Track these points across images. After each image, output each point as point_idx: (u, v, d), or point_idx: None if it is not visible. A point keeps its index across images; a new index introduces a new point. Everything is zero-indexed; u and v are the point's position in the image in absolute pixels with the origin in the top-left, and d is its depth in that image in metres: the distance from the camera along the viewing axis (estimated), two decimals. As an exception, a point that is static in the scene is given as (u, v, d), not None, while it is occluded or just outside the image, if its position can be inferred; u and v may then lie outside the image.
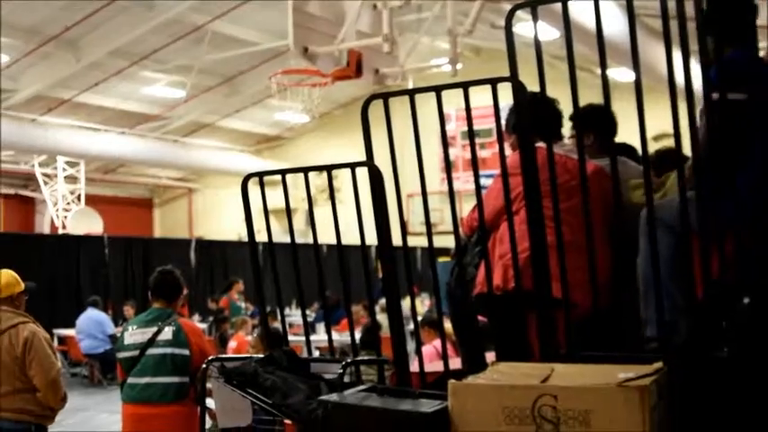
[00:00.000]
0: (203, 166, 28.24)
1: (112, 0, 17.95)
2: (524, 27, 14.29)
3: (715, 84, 3.32)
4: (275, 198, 4.49)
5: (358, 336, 5.21)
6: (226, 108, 25.97)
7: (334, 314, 13.52)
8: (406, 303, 7.02)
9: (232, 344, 12.28)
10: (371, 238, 4.16)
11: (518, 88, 3.64)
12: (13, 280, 5.82)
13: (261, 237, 4.65)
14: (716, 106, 3.34)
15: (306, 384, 3.73)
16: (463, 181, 22.89)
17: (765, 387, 3.19)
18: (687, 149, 3.49)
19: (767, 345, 3.26)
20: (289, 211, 4.47)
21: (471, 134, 3.91)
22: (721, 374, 3.25)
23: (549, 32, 14.42)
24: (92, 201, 26.93)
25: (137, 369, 6.04)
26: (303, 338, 4.75)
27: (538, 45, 3.62)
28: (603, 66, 3.54)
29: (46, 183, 26.24)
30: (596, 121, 4.39)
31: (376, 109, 4.05)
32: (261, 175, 4.41)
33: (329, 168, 4.26)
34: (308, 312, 4.79)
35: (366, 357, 4.87)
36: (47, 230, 26.15)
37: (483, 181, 3.97)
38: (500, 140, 3.82)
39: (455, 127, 23.65)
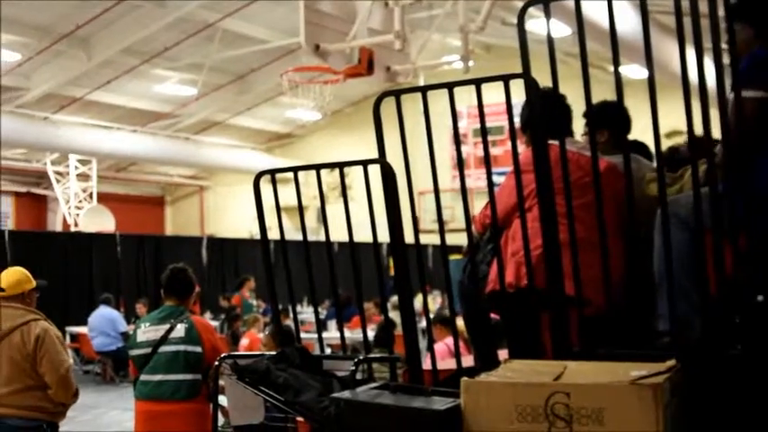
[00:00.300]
0: (215, 164, 28.28)
1: (124, -2, 18.02)
2: (536, 24, 14.24)
3: (741, 79, 3.31)
4: (286, 196, 4.49)
5: (369, 333, 5.20)
6: (237, 106, 25.99)
7: (345, 312, 13.53)
8: (417, 301, 7.02)
9: (244, 341, 12.30)
10: (383, 236, 4.16)
11: (531, 85, 3.64)
12: (24, 277, 5.83)
13: (272, 234, 4.65)
14: (738, 102, 3.32)
15: (318, 382, 3.73)
16: (474, 178, 22.86)
17: (779, 385, 3.18)
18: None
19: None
20: (301, 208, 4.47)
21: (484, 131, 3.90)
22: (735, 372, 3.24)
23: (561, 29, 14.39)
24: (104, 199, 27.01)
25: (149, 366, 6.06)
26: (315, 336, 4.76)
27: (551, 42, 3.61)
28: (616, 63, 3.53)
29: (58, 181, 26.32)
30: (610, 118, 4.38)
31: (387, 106, 4.05)
32: (273, 172, 4.42)
33: (341, 166, 4.26)
34: (319, 310, 4.79)
35: (378, 355, 4.87)
36: (59, 228, 26.23)
37: (495, 179, 3.96)
38: (512, 137, 3.82)
39: (466, 124, 23.65)
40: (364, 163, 4.11)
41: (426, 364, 4.28)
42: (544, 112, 3.81)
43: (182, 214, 32.55)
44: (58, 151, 24.93)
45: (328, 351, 8.61)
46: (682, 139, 4.41)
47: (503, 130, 20.83)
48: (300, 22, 10.95)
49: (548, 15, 3.66)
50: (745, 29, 3.64)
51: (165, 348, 6.04)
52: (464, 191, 4.00)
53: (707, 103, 3.24)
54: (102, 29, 19.36)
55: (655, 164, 4.07)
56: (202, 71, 21.64)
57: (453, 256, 4.76)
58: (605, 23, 3.52)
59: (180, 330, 6.06)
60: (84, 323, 16.37)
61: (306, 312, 16.44)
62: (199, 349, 6.03)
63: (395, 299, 9.34)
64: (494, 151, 20.62)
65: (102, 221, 25.13)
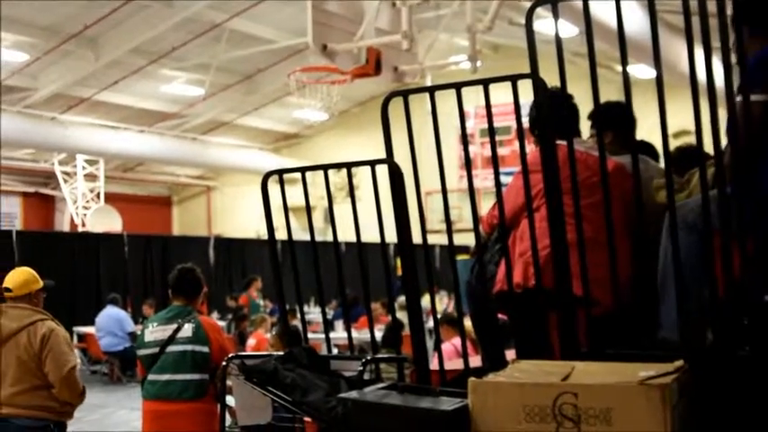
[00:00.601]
0: (222, 164, 28.32)
1: (131, -2, 18.05)
2: (543, 24, 14.26)
3: (747, 81, 3.30)
4: (293, 196, 4.49)
5: (377, 334, 5.21)
6: (244, 106, 26.02)
7: (352, 312, 13.54)
8: (424, 301, 7.02)
9: (251, 341, 12.31)
10: (390, 236, 4.16)
11: (539, 85, 3.63)
12: (31, 277, 5.84)
13: (279, 234, 4.66)
14: (745, 104, 3.31)
15: (326, 382, 3.73)
16: (481, 179, 22.88)
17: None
18: (708, 147, 3.47)
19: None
20: (309, 208, 4.48)
21: (492, 131, 3.89)
22: (743, 373, 3.23)
23: (568, 29, 14.37)
24: (111, 199, 27.06)
25: (157, 366, 6.07)
26: (322, 336, 4.76)
27: (559, 42, 3.60)
28: (624, 63, 3.53)
29: (66, 181, 26.39)
30: (614, 119, 4.37)
31: (394, 107, 4.05)
32: (281, 172, 4.42)
33: (349, 166, 4.26)
34: (326, 310, 4.80)
35: (386, 355, 4.87)
36: (66, 228, 26.29)
37: (502, 179, 3.95)
38: (520, 137, 3.81)
39: (474, 124, 23.65)
40: (372, 163, 4.11)
41: (433, 365, 4.28)
42: (552, 112, 3.81)
43: (189, 214, 32.60)
44: (65, 151, 24.99)
45: (335, 351, 8.61)
46: (689, 140, 4.41)
47: (510, 130, 20.85)
48: (308, 22, 10.96)
49: (556, 15, 3.66)
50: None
51: (172, 348, 6.04)
52: (472, 191, 3.99)
53: (715, 104, 3.23)
54: (109, 29, 19.40)
55: (662, 163, 4.07)
56: (210, 71, 21.67)
57: (460, 257, 4.76)
58: (612, 23, 3.51)
59: (187, 330, 6.07)
60: (92, 323, 16.40)
61: (313, 312, 16.45)
62: (206, 349, 6.03)
63: (402, 299, 9.36)
64: (501, 151, 20.55)
65: (109, 221, 25.18)
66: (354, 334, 5.83)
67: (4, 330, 5.59)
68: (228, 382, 4.52)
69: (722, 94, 3.25)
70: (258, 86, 24.37)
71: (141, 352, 6.23)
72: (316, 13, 11.03)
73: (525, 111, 3.93)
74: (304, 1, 11.28)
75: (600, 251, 3.61)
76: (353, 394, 3.29)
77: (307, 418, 3.95)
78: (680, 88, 8.54)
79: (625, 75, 3.55)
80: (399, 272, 4.38)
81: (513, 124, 3.76)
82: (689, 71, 3.32)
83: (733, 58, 3.27)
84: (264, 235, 4.43)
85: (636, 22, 10.70)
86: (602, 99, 3.80)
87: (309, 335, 5.06)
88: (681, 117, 4.56)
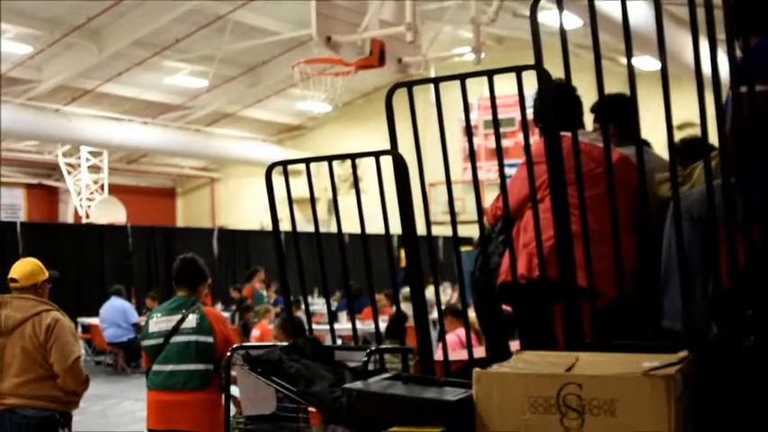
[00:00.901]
0: (225, 156, 28.33)
1: (135, -10, 18.05)
2: (547, 16, 14.23)
3: (743, 72, 3.30)
4: (297, 187, 4.50)
5: (381, 325, 5.22)
6: (248, 98, 26.01)
7: (356, 303, 13.54)
8: (428, 292, 7.03)
9: (255, 332, 12.33)
10: (393, 228, 4.16)
11: (543, 77, 3.63)
12: (37, 268, 5.86)
13: (282, 226, 4.66)
14: (744, 95, 3.31)
15: (330, 372, 3.73)
16: (485, 170, 22.85)
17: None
18: (713, 139, 3.47)
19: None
20: (313, 200, 4.48)
21: (496, 123, 3.89)
22: (747, 364, 3.23)
23: (572, 21, 14.36)
24: (115, 190, 27.07)
25: (161, 357, 6.08)
26: (326, 327, 4.77)
27: (563, 34, 3.60)
28: (629, 55, 3.52)
29: (69, 172, 26.39)
30: (616, 111, 4.37)
31: (397, 98, 4.05)
32: (285, 163, 4.42)
33: (353, 157, 4.26)
34: (330, 301, 4.82)
35: (390, 346, 4.88)
36: (70, 220, 26.33)
37: (506, 170, 3.96)
38: (524, 129, 3.81)
39: (477, 116, 23.62)
40: (376, 154, 4.12)
41: (438, 356, 4.29)
42: (556, 104, 3.81)
43: (193, 206, 32.61)
44: (69, 143, 25.00)
45: (339, 343, 8.60)
46: (694, 131, 4.40)
47: (513, 121, 20.84)
48: (312, 13, 10.96)
49: (560, 7, 3.65)
50: None
51: (176, 339, 6.06)
52: (476, 182, 4.00)
53: (720, 95, 3.23)
54: (113, 21, 19.40)
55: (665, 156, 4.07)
56: (213, 63, 21.67)
57: (464, 248, 4.76)
58: (616, 15, 3.52)
59: (191, 321, 6.08)
60: (96, 314, 16.43)
61: (317, 304, 16.47)
62: (210, 339, 6.05)
63: (405, 290, 9.36)
64: (504, 143, 20.50)
65: (113, 213, 25.20)
66: (358, 325, 5.84)
67: (10, 321, 5.61)
68: (233, 373, 4.53)
69: (726, 86, 3.26)
70: (262, 78, 24.36)
71: (146, 342, 6.24)
72: (320, 5, 11.03)
73: (528, 103, 3.93)
74: (307, -8, 11.28)
75: (603, 242, 3.61)
76: (358, 384, 3.30)
77: (311, 408, 3.95)
78: (683, 80, 8.54)
79: (630, 67, 3.55)
80: (403, 263, 4.38)
81: (517, 116, 3.79)
82: (693, 63, 3.32)
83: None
84: (268, 226, 4.44)
85: (639, 14, 10.67)
86: (606, 91, 3.80)
87: (313, 326, 5.07)
88: (684, 109, 4.55)
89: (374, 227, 4.41)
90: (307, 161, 4.40)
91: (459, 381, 3.16)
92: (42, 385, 5.59)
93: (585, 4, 3.57)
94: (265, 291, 18.15)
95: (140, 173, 30.58)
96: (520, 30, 20.06)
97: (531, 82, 3.63)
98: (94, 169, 26.62)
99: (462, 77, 3.88)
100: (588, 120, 4.54)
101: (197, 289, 6.35)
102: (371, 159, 4.17)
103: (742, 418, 3.21)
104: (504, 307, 4.39)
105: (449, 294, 18.45)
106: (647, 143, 4.72)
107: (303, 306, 4.99)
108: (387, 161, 4.05)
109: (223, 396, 4.87)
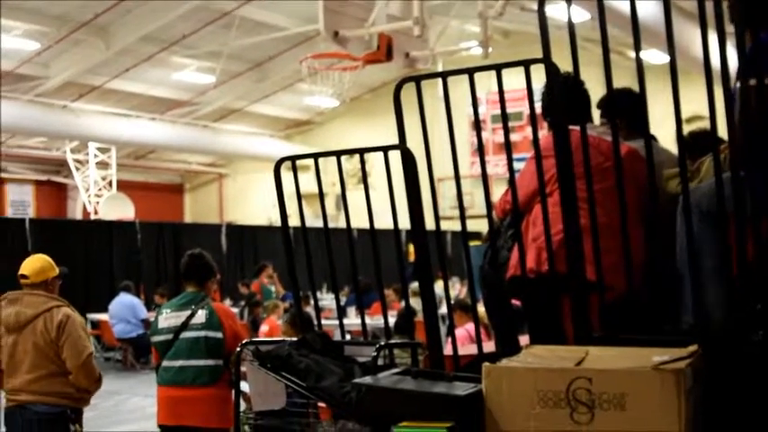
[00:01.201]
0: (233, 152, 28.33)
1: (142, -14, 18.06)
2: (555, 9, 14.18)
3: (747, 67, 3.29)
4: (305, 183, 4.50)
5: (390, 320, 5.22)
6: (255, 93, 26.00)
7: (364, 298, 13.55)
8: (437, 287, 7.03)
9: (264, 328, 12.35)
10: (401, 223, 4.16)
11: (552, 70, 3.63)
12: (47, 265, 5.87)
13: (291, 221, 4.66)
14: (748, 90, 3.31)
15: (339, 367, 3.74)
16: (493, 165, 22.77)
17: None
18: (721, 132, 3.46)
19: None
20: (321, 195, 4.48)
21: (504, 117, 3.89)
22: (756, 357, 3.23)
23: (579, 14, 14.33)
24: (123, 186, 27.10)
25: (171, 352, 6.09)
26: (334, 322, 4.77)
27: (571, 27, 3.60)
28: (638, 49, 3.52)
29: (78, 169, 26.43)
30: (624, 106, 4.36)
31: (405, 93, 4.05)
32: (293, 158, 4.42)
33: (362, 152, 4.26)
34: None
35: (400, 341, 4.88)
36: (79, 216, 26.36)
37: (514, 165, 3.95)
38: (533, 123, 3.81)
39: (485, 110, 23.57)
40: (385, 149, 4.12)
41: (447, 350, 4.29)
42: (564, 98, 3.80)
43: (201, 202, 32.65)
44: (77, 139, 25.03)
45: (348, 338, 8.61)
46: (702, 125, 4.39)
47: (521, 115, 20.80)
48: (319, 8, 10.96)
49: (568, 0, 3.65)
50: None
51: (186, 334, 6.07)
52: (485, 177, 4.00)
53: (729, 88, 3.22)
54: (120, 17, 19.41)
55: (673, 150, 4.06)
56: (221, 59, 21.66)
57: (472, 243, 4.75)
58: (624, 8, 3.51)
59: (201, 316, 6.09)
60: (105, 310, 16.47)
61: (325, 299, 16.49)
62: (220, 335, 6.06)
63: (414, 285, 9.36)
64: (512, 137, 20.51)
65: (121, 209, 25.22)
66: (367, 320, 5.85)
67: (21, 317, 5.63)
68: (242, 368, 4.54)
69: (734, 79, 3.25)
70: (269, 74, 24.35)
71: (155, 338, 6.26)
72: (327, 0, 11.02)
73: (536, 96, 3.93)
74: (315, -12, 11.28)
75: (612, 236, 3.61)
76: (368, 379, 3.31)
77: (321, 404, 3.96)
78: (691, 73, 8.52)
79: (638, 61, 3.54)
80: (411, 258, 4.38)
81: (524, 110, 3.80)
82: (701, 56, 3.31)
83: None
84: (276, 222, 4.43)
85: (647, 7, 10.65)
86: (615, 85, 3.79)
87: (322, 321, 5.08)
88: (692, 102, 4.54)
89: (382, 222, 4.41)
90: (315, 156, 4.40)
91: (469, 375, 3.16)
92: (54, 381, 5.61)
93: (592, -2, 3.56)
94: (274, 286, 18.17)
95: (148, 169, 30.61)
96: (526, 23, 20.02)
97: (538, 76, 3.62)
98: (103, 165, 26.66)
99: (471, 71, 3.88)
100: (595, 115, 4.53)
101: (206, 285, 6.36)
102: (379, 154, 4.17)
103: (752, 412, 3.21)
104: (513, 301, 4.39)
105: (457, 289, 18.44)
106: (653, 137, 4.72)
107: (312, 301, 5.00)
108: (394, 156, 4.05)
109: (233, 391, 4.88)
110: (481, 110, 22.60)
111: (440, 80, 4.06)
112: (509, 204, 4.13)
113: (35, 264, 5.84)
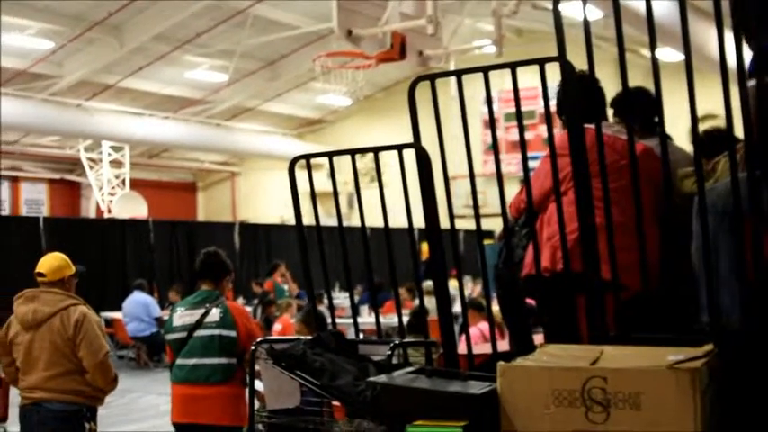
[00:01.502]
0: (246, 150, 28.38)
1: (155, -15, 18.11)
2: (568, 7, 14.16)
3: (751, 72, 3.29)
4: (318, 182, 4.50)
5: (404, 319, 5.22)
6: (268, 92, 26.05)
7: (378, 297, 13.54)
8: (450, 286, 7.02)
9: (277, 326, 12.34)
10: (414, 221, 4.16)
11: (567, 69, 3.62)
12: (64, 263, 5.89)
13: (304, 220, 4.67)
14: (765, 88, 3.30)
15: (354, 366, 3.74)
16: (505, 163, 22.73)
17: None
18: (737, 131, 3.45)
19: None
20: (336, 193, 4.48)
21: (519, 115, 3.88)
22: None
23: (593, 13, 14.29)
24: (136, 185, 27.18)
25: (185, 350, 6.11)
26: (348, 321, 4.77)
27: (587, 25, 3.59)
28: (653, 47, 3.51)
29: (91, 167, 26.51)
30: (638, 105, 4.35)
31: (418, 92, 4.05)
32: (308, 157, 4.42)
33: (376, 150, 4.26)
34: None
35: (414, 339, 4.87)
36: (92, 215, 26.48)
37: (528, 163, 3.95)
38: (548, 121, 3.80)
39: (497, 109, 23.54)
40: (399, 147, 4.11)
41: (461, 349, 4.29)
42: (580, 96, 3.80)
43: (214, 200, 32.72)
44: (91, 138, 25.12)
45: (361, 337, 8.60)
46: (715, 123, 4.38)
47: (534, 114, 20.77)
48: (333, 7, 10.95)
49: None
50: None
51: (200, 333, 6.08)
52: (499, 175, 3.99)
53: (745, 87, 3.21)
54: (133, 16, 19.48)
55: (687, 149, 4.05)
56: (234, 57, 21.71)
57: (486, 241, 4.75)
58: (637, 6, 3.50)
59: (215, 315, 6.10)
60: (119, 309, 16.51)
61: (339, 298, 16.49)
62: (233, 334, 6.07)
63: (427, 284, 9.36)
64: (526, 136, 20.54)
65: (135, 208, 25.30)
66: (381, 319, 5.85)
67: (39, 315, 5.65)
68: (257, 367, 4.55)
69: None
70: (282, 72, 24.39)
71: (169, 336, 6.27)
72: (341, -1, 11.02)
73: (550, 94, 3.92)
74: (328, -14, 11.28)
75: (628, 235, 3.60)
76: (382, 378, 3.30)
77: (335, 402, 3.96)
78: (706, 72, 8.49)
79: (654, 60, 3.53)
80: (424, 257, 4.38)
81: (537, 108, 3.82)
82: (717, 55, 3.30)
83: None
84: (289, 220, 4.45)
85: (662, 5, 10.62)
86: (629, 84, 3.78)
87: (336, 320, 5.08)
88: (706, 101, 4.53)
89: (396, 221, 4.41)
90: (330, 155, 4.40)
91: (484, 374, 3.16)
92: (70, 379, 5.63)
93: (607, -4, 3.55)
94: (287, 285, 18.17)
95: (161, 167, 30.69)
96: (539, 22, 20.02)
97: (552, 74, 3.62)
98: (116, 164, 26.74)
99: (485, 70, 3.88)
100: (608, 114, 4.52)
101: (221, 283, 6.37)
102: (392, 153, 4.17)
103: (767, 412, 3.20)
104: (528, 300, 4.38)
105: (470, 288, 18.43)
106: (668, 136, 4.70)
107: (326, 300, 5.00)
108: (408, 155, 4.05)
109: (247, 390, 4.88)
110: (494, 108, 22.57)
111: (452, 79, 4.06)
112: (524, 203, 4.13)
113: (52, 262, 5.86)
